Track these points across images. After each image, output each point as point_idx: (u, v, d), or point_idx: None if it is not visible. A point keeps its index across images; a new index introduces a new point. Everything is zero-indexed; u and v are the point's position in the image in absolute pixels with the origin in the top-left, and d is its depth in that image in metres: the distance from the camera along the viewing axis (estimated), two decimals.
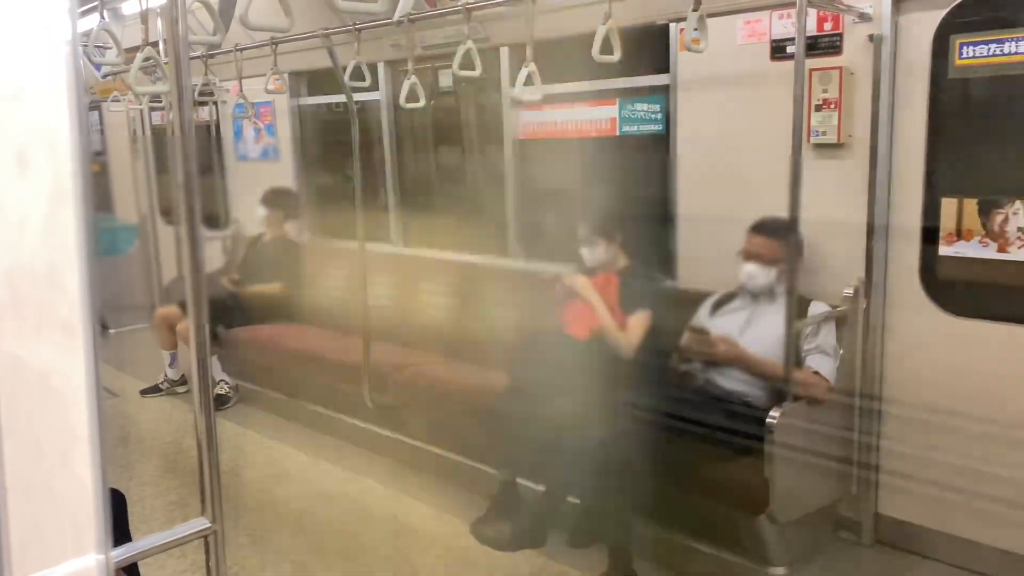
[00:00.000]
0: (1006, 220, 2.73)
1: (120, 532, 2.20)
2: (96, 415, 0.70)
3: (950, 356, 2.88)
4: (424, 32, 4.16)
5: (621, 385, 3.09)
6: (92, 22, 3.28)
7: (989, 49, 2.69)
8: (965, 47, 2.73)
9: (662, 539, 3.05)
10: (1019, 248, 2.71)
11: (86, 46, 3.44)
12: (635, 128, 3.78)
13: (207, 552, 1.28)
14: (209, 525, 1.24)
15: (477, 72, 3.27)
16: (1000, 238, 2.74)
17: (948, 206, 2.84)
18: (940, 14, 2.76)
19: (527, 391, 3.26)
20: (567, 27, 3.47)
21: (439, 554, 3.18)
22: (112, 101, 5.54)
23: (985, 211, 2.76)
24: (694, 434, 2.83)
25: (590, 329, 3.34)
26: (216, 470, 1.29)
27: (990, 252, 2.77)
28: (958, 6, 2.72)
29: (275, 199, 5.26)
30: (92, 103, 6.72)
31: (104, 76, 5.72)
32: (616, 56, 2.80)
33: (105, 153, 7.17)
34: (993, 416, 2.80)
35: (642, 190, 3.78)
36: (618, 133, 3.84)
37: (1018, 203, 2.70)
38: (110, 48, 3.60)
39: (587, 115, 3.96)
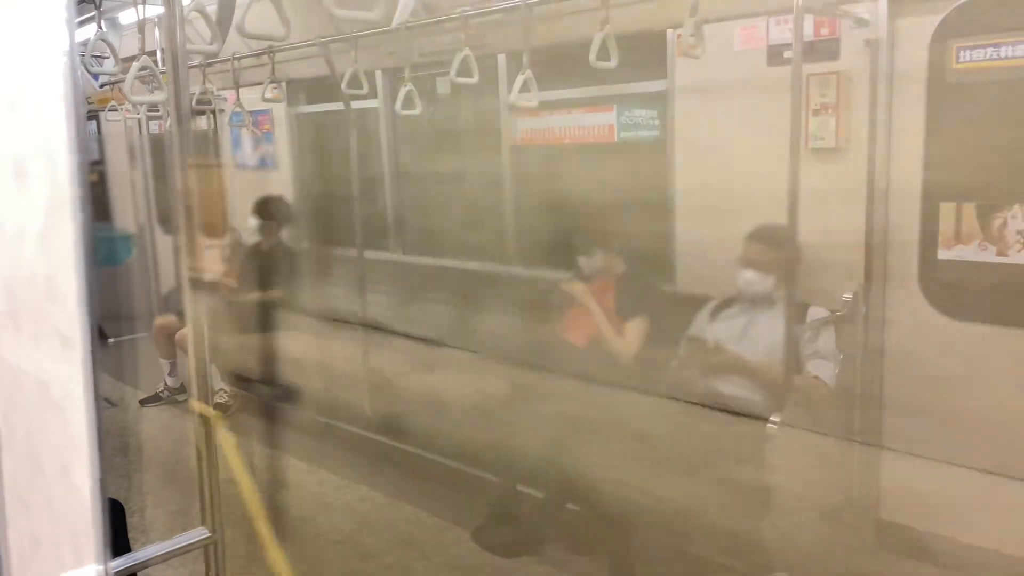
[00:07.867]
0: (1005, 224, 2.73)
1: (119, 542, 2.19)
2: (95, 425, 0.69)
3: (949, 359, 2.88)
4: (422, 40, 4.17)
5: (619, 391, 3.09)
6: (89, 32, 3.28)
7: (986, 53, 2.69)
8: (962, 51, 2.74)
9: (663, 546, 3.04)
10: (1018, 251, 2.71)
11: (83, 56, 3.44)
12: (633, 134, 3.78)
13: (207, 562, 1.27)
14: (209, 535, 1.24)
15: (474, 79, 3.28)
16: (999, 242, 2.74)
17: (946, 210, 2.84)
18: (937, 18, 2.76)
19: (527, 398, 3.26)
20: (564, 33, 3.48)
21: (440, 562, 3.17)
22: (109, 111, 5.55)
23: (984, 215, 2.76)
24: (694, 439, 2.82)
25: (588, 336, 3.34)
26: (216, 479, 1.28)
27: (989, 256, 2.76)
28: (955, 10, 2.72)
29: (266, 208, 5.26)
30: (89, 112, 6.72)
31: (101, 86, 5.73)
32: (613, 62, 2.80)
33: (103, 162, 7.17)
34: (992, 419, 2.80)
35: (641, 196, 3.78)
36: (616, 139, 3.84)
37: (1016, 207, 2.70)
38: (107, 58, 3.61)
39: (585, 121, 3.96)
